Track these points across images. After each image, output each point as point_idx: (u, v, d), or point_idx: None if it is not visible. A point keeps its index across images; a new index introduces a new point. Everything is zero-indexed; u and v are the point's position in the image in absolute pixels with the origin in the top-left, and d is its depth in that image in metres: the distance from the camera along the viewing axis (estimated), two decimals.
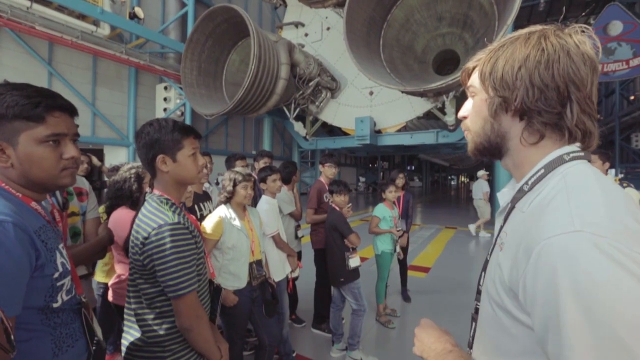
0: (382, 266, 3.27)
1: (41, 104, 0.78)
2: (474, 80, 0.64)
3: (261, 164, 3.38)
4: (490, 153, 0.64)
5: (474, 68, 0.66)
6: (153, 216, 1.05)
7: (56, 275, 0.81)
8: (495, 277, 0.58)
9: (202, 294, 1.18)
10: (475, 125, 0.64)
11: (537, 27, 0.59)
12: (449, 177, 53.48)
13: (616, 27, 12.00)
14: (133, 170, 1.95)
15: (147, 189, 2.11)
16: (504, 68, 0.57)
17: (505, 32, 5.61)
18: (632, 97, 16.39)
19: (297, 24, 10.64)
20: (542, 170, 0.56)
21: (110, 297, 1.97)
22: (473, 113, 0.65)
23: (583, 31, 0.57)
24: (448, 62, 8.59)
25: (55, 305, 0.82)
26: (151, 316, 1.08)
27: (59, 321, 0.84)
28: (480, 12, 7.06)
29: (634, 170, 15.82)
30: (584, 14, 20.41)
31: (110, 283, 2.01)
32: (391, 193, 3.29)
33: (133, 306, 1.11)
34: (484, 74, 0.61)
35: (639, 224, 0.45)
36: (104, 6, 7.41)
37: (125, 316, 1.15)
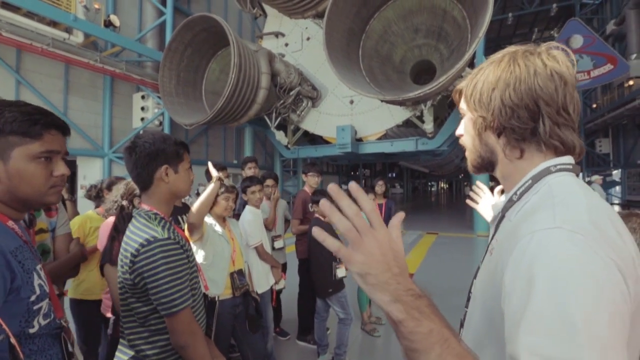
0: None
1: (40, 121, 0.79)
2: (463, 101, 0.69)
3: (246, 170, 3.31)
4: (485, 167, 0.68)
5: (461, 89, 0.71)
6: (142, 232, 1.02)
7: (33, 298, 0.76)
8: (484, 281, 0.62)
9: (197, 308, 1.15)
10: (468, 142, 0.69)
11: (511, 49, 0.63)
12: (429, 184, 54.72)
13: (577, 41, 12.85)
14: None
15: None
16: (481, 90, 0.62)
17: (478, 44, 5.87)
18: (594, 105, 17.48)
19: (277, 34, 10.71)
20: (530, 181, 0.59)
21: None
22: (465, 132, 0.70)
23: (557, 47, 0.61)
24: (425, 72, 8.88)
25: (31, 330, 0.76)
26: (145, 334, 1.04)
27: (34, 348, 0.78)
28: (454, 25, 7.37)
29: (599, 173, 16.78)
30: (548, 27, 21.78)
31: (103, 293, 2.07)
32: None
33: (126, 325, 1.07)
34: (467, 95, 0.66)
35: (617, 233, 0.47)
36: (77, 13, 7.19)
37: (120, 334, 1.12)
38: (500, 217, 0.65)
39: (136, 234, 1.03)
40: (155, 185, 1.10)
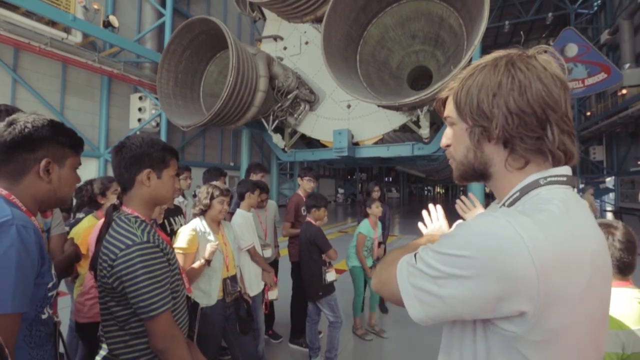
0: (355, 280, 3.29)
1: (79, 140, 1.03)
2: (451, 110, 0.64)
3: (258, 177, 3.30)
4: (475, 178, 0.65)
5: (447, 97, 0.66)
6: (121, 236, 1.02)
7: (50, 285, 0.88)
8: None
9: (179, 311, 1.16)
10: (458, 154, 0.64)
11: (502, 53, 0.59)
12: (426, 188, 54.92)
13: (572, 49, 13.03)
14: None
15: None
16: (479, 97, 0.57)
17: (473, 52, 5.95)
18: (588, 113, 17.70)
19: (276, 38, 10.78)
20: (518, 194, 0.57)
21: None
22: (455, 142, 0.65)
23: (545, 51, 0.58)
24: (422, 77, 8.97)
25: (43, 317, 0.88)
26: (125, 338, 1.05)
27: (37, 341, 0.87)
28: (450, 32, 7.46)
29: (593, 180, 16.96)
30: (544, 35, 22.07)
31: (77, 297, 1.96)
32: (378, 208, 3.31)
33: (106, 329, 1.07)
34: (459, 103, 0.61)
35: (573, 255, 0.49)
36: (77, 13, 7.21)
37: (100, 337, 1.12)
38: None
39: (115, 237, 1.03)
40: (136, 188, 1.11)
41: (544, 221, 0.49)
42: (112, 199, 1.99)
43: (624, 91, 13.81)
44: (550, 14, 17.45)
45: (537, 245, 0.47)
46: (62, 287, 2.68)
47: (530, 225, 0.49)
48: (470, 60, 6.45)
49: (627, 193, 14.12)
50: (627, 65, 14.09)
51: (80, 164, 1.04)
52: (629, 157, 15.01)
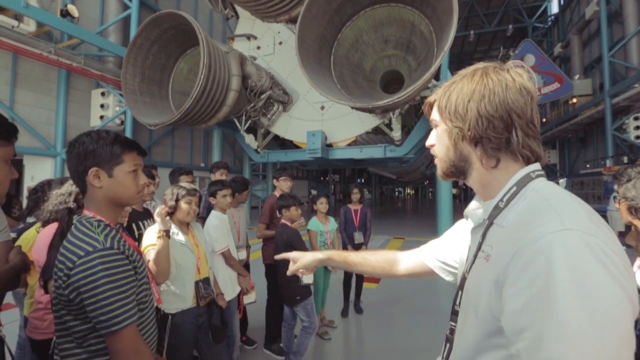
0: (315, 278, 3.28)
1: (11, 127, 0.89)
2: (435, 113, 0.72)
3: (217, 175, 3.24)
4: (456, 175, 0.71)
5: (434, 101, 0.73)
6: (80, 242, 0.92)
7: None
8: (482, 290, 0.58)
9: (147, 324, 1.06)
10: (440, 152, 0.71)
11: (481, 65, 0.68)
12: (397, 190, 56.43)
13: (530, 60, 13.99)
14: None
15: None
16: (456, 102, 0.65)
17: (442, 58, 6.18)
18: (544, 120, 19.03)
19: (249, 37, 10.59)
20: (515, 188, 0.61)
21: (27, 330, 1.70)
22: (438, 142, 0.72)
23: (521, 66, 0.65)
24: (394, 81, 9.19)
25: None
26: (83, 356, 0.93)
27: None
28: (421, 39, 7.71)
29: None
30: (511, 46, 23.52)
31: (30, 312, 1.73)
32: (322, 205, 3.36)
33: (61, 346, 0.96)
34: (441, 107, 0.69)
35: (607, 228, 0.52)
36: (30, 0, 6.65)
37: (53, 355, 1.00)
38: (488, 225, 0.64)
39: (74, 243, 0.93)
40: (90, 189, 1.01)
41: (587, 216, 0.52)
42: (52, 204, 1.69)
43: (574, 100, 15.03)
44: (510, 26, 18.63)
45: (608, 245, 0.48)
46: (10, 298, 2.43)
47: (591, 226, 0.50)
48: (440, 66, 6.70)
49: (577, 193, 15.34)
50: (577, 76, 15.34)
51: (13, 154, 0.90)
52: (578, 161, 16.33)
